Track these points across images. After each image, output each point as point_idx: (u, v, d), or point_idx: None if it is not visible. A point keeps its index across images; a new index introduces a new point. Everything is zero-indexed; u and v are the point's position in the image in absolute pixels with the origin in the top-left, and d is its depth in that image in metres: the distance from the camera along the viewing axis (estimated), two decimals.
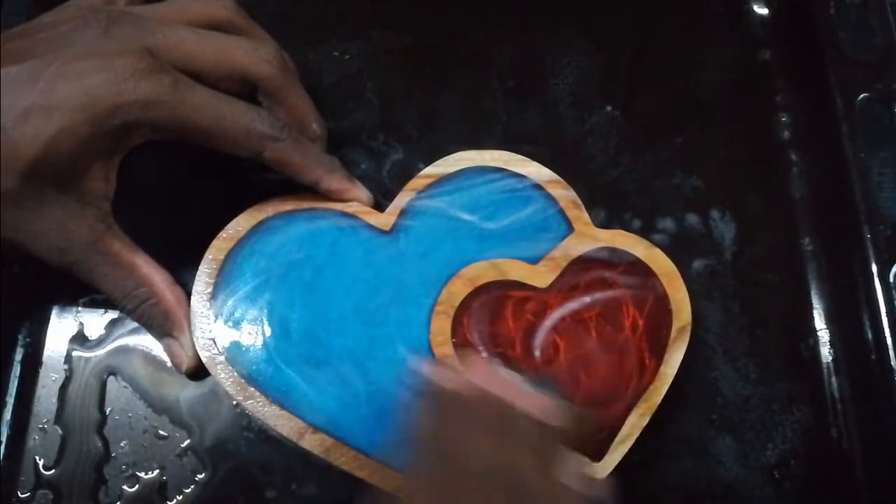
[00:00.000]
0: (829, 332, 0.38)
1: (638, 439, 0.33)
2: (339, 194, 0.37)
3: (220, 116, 0.33)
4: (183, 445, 0.36)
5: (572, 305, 0.35)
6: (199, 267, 0.36)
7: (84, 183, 0.32)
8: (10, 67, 0.30)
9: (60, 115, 0.30)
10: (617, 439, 0.33)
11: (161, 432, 0.36)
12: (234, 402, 0.36)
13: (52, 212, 0.32)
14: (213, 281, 0.36)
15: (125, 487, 0.35)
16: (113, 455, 0.35)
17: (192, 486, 0.35)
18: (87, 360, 0.37)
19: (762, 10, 0.44)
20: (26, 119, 0.30)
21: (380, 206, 0.38)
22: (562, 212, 0.37)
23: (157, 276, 0.35)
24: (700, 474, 0.35)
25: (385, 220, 0.37)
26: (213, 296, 0.36)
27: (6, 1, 0.41)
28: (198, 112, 0.32)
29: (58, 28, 0.32)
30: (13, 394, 0.36)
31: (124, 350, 0.37)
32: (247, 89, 0.35)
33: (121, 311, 0.36)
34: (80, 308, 0.38)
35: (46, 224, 0.32)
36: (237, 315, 0.35)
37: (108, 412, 0.36)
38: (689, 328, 0.35)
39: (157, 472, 0.35)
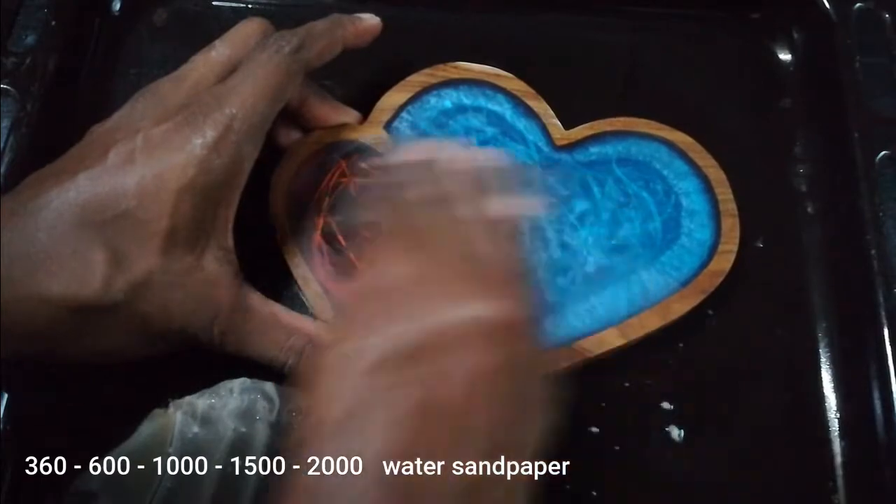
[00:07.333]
0: (836, 398, 0.36)
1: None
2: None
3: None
4: None
5: None
6: None
7: (213, 239, 0.31)
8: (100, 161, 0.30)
9: (172, 176, 0.29)
10: None
11: None
12: None
13: (195, 280, 0.30)
14: None
15: None
16: None
17: None
18: None
19: (785, 56, 0.43)
20: (145, 192, 0.29)
21: None
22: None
23: (296, 318, 0.33)
24: None
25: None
26: None
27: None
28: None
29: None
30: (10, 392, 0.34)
31: None
32: None
33: (284, 370, 0.33)
34: None
35: (193, 294, 0.30)
36: None
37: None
38: None
39: None
